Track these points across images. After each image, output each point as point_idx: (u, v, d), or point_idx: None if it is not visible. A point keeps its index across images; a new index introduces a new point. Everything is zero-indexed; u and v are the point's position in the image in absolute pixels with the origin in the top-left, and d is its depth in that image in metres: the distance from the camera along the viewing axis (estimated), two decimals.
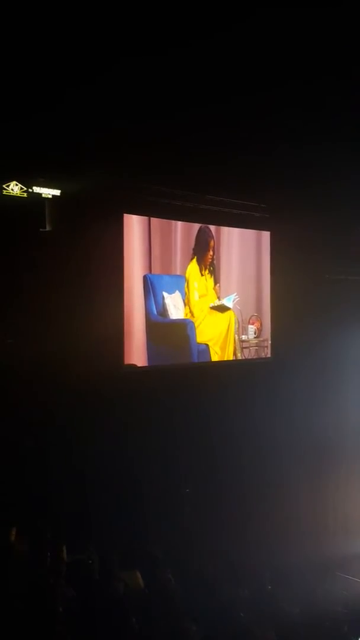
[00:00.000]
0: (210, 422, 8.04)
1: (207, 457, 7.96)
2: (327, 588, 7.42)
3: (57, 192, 6.57)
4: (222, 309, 8.56)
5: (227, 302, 8.58)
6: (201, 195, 8.05)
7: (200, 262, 8.26)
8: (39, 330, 6.43)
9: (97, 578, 5.03)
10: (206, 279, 8.36)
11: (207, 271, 8.36)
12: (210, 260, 8.39)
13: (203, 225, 8.30)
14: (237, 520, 7.75)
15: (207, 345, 8.40)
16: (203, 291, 8.33)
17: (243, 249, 8.92)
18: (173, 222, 8.01)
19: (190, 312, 8.17)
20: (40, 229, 6.55)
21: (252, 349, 9.04)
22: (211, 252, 8.39)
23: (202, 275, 8.30)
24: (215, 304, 8.49)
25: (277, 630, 5.13)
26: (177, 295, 8.01)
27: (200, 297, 8.28)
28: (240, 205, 8.54)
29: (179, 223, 8.06)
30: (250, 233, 9.00)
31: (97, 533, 6.07)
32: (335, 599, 6.86)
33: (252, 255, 9.07)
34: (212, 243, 8.41)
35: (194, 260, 8.20)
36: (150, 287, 7.64)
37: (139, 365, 7.54)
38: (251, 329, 8.98)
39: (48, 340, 6.42)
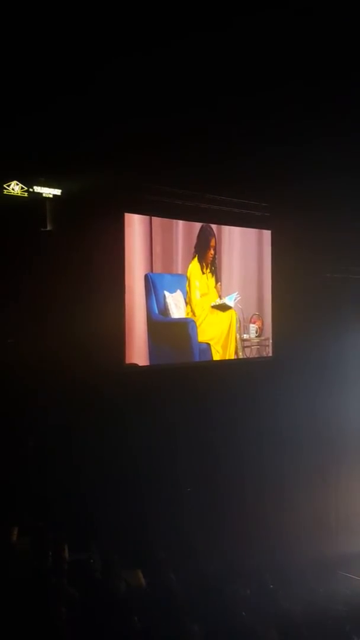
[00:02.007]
0: (211, 421, 8.04)
1: (208, 456, 7.96)
2: (328, 587, 7.43)
3: (57, 192, 6.56)
4: (223, 307, 8.55)
5: (229, 301, 8.57)
6: (202, 194, 8.04)
7: (201, 261, 8.26)
8: (39, 330, 6.43)
9: (99, 577, 5.04)
10: (207, 278, 8.36)
11: (208, 270, 8.36)
12: (211, 259, 8.38)
13: (204, 224, 8.29)
14: (238, 519, 7.76)
15: (208, 344, 8.39)
16: (204, 290, 8.32)
17: (244, 247, 8.90)
18: (174, 221, 7.99)
19: (192, 311, 8.17)
20: (41, 229, 6.55)
21: (254, 348, 9.03)
22: (212, 251, 8.38)
23: (203, 274, 8.29)
24: (217, 303, 8.49)
25: (279, 629, 5.13)
26: (178, 294, 8.00)
27: (201, 296, 8.28)
28: (241, 204, 8.53)
29: (180, 222, 8.05)
30: (251, 232, 8.99)
31: (98, 532, 6.08)
32: (337, 598, 6.87)
33: (254, 254, 9.05)
34: (213, 242, 8.40)
35: (195, 259, 8.20)
36: (151, 286, 7.64)
37: (141, 364, 7.54)
38: (252, 328, 8.97)
39: (49, 339, 6.42)
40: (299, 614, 5.75)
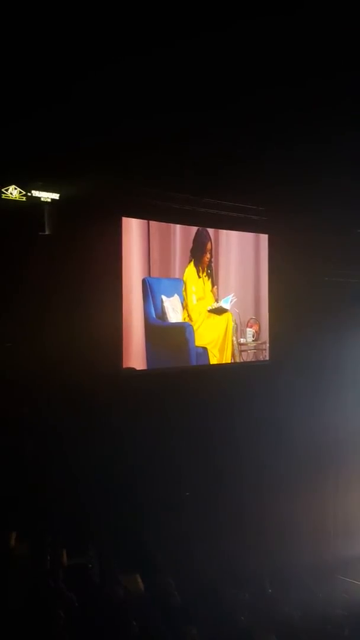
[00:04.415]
0: (209, 424, 8.04)
1: (206, 460, 7.95)
2: (327, 591, 7.42)
3: (55, 196, 6.56)
4: (219, 311, 8.56)
5: (225, 303, 8.58)
6: (199, 198, 8.06)
7: (197, 265, 8.27)
8: (37, 333, 6.43)
9: (97, 582, 5.03)
10: (204, 282, 8.37)
11: (204, 274, 8.37)
12: (207, 263, 8.39)
13: (201, 228, 8.31)
14: (237, 523, 7.75)
15: (205, 348, 8.40)
16: (201, 294, 8.33)
17: (241, 251, 8.92)
18: (172, 225, 8.01)
19: (189, 315, 8.17)
20: (39, 233, 6.55)
21: (251, 352, 9.04)
22: (208, 255, 8.39)
23: (199, 278, 8.30)
24: (213, 307, 8.49)
25: (278, 634, 5.14)
26: (175, 298, 8.01)
27: (198, 300, 8.28)
28: (239, 208, 8.55)
29: (178, 226, 8.06)
30: (248, 236, 9.00)
31: (97, 537, 6.06)
32: (335, 602, 6.86)
33: (251, 258, 9.07)
34: (209, 246, 8.41)
35: (192, 263, 8.20)
36: (149, 291, 7.65)
37: (138, 368, 7.53)
38: (249, 332, 8.98)
39: (47, 343, 6.41)
40: (298, 618, 5.75)
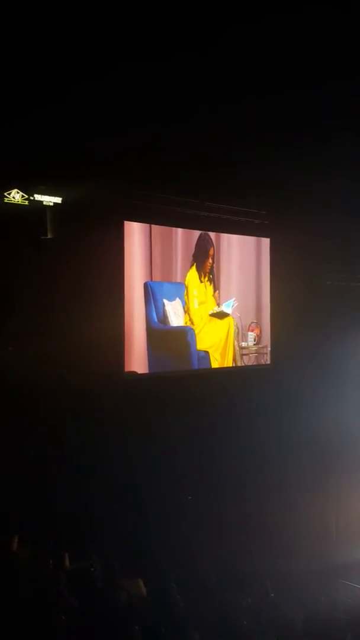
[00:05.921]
0: (210, 428, 8.03)
1: (208, 464, 7.94)
2: (329, 595, 7.39)
3: (58, 200, 6.59)
4: (221, 315, 8.57)
5: (226, 307, 8.59)
6: (201, 202, 8.07)
7: (199, 269, 8.28)
8: (40, 338, 6.43)
9: (100, 586, 5.01)
10: (205, 287, 8.37)
11: (206, 278, 8.37)
12: (209, 267, 8.40)
13: (203, 232, 8.32)
14: (239, 527, 7.73)
15: (207, 352, 8.40)
16: (202, 298, 8.34)
17: (243, 255, 8.93)
18: (173, 229, 8.02)
19: (190, 320, 8.18)
20: (42, 237, 6.57)
21: (252, 356, 9.04)
22: (210, 260, 8.40)
23: (201, 282, 8.31)
24: (215, 311, 8.50)
25: (281, 638, 5.12)
26: (177, 302, 8.01)
27: (199, 304, 8.29)
28: (240, 212, 8.57)
29: (180, 230, 8.08)
30: (250, 240, 9.02)
31: (99, 541, 6.05)
32: (338, 607, 6.84)
33: (252, 262, 9.08)
34: (211, 250, 8.42)
35: (194, 267, 8.21)
36: (150, 295, 7.65)
37: (140, 372, 7.53)
38: (251, 335, 8.98)
39: (49, 348, 6.41)
40: (300, 623, 5.73)
